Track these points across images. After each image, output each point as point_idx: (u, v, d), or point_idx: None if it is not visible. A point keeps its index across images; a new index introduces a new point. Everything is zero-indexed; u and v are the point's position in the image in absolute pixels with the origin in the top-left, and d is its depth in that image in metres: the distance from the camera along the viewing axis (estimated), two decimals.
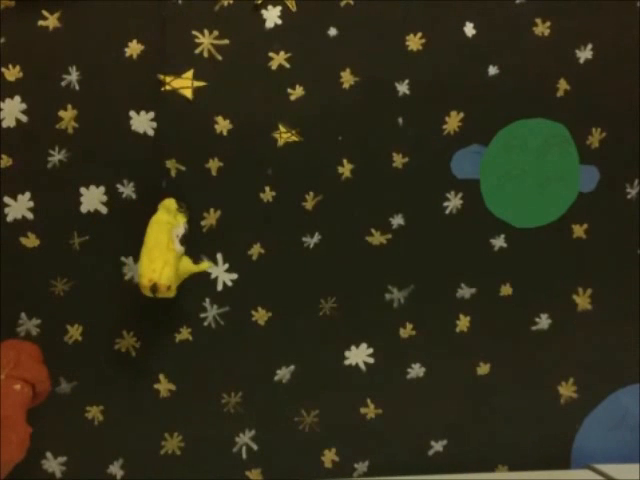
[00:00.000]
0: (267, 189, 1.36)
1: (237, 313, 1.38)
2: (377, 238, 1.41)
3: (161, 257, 1.21)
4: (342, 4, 1.34)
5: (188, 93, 1.33)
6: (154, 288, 1.20)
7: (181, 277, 1.27)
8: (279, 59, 1.33)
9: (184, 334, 1.37)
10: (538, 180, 1.44)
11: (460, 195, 1.42)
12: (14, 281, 1.32)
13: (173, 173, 1.34)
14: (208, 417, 1.39)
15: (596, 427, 1.49)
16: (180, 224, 1.27)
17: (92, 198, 1.33)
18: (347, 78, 1.36)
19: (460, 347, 1.44)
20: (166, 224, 1.25)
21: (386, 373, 1.43)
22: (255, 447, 1.40)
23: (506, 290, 1.45)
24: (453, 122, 1.40)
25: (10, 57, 1.28)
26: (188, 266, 1.28)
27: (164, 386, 1.37)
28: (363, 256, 1.41)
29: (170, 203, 1.28)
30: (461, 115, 1.40)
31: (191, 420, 1.38)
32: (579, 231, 1.45)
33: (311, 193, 1.38)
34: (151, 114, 1.32)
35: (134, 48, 1.31)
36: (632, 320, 1.48)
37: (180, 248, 1.25)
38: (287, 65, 1.34)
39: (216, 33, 1.32)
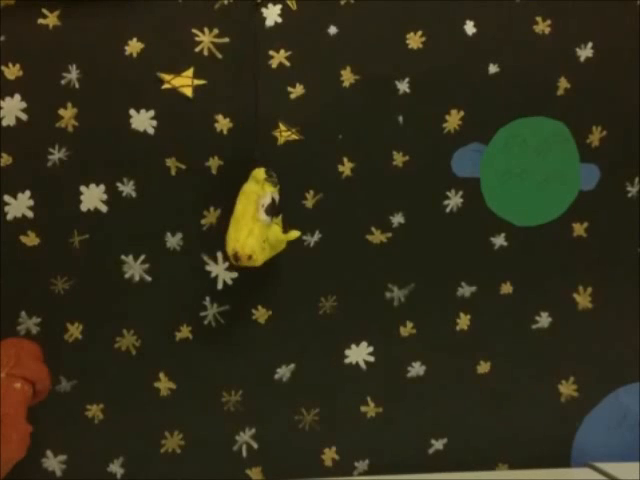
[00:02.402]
0: None
1: (237, 312, 1.38)
2: (377, 236, 1.41)
3: (246, 227, 1.23)
4: (342, 2, 1.34)
5: (188, 91, 1.33)
6: (236, 257, 1.22)
7: (274, 246, 1.29)
8: (279, 57, 1.33)
9: (184, 332, 1.37)
10: (538, 178, 1.44)
11: (460, 193, 1.41)
12: (14, 279, 1.32)
13: (173, 172, 1.34)
14: (208, 415, 1.39)
15: (596, 426, 1.49)
16: (267, 194, 1.28)
17: (92, 196, 1.32)
18: (347, 76, 1.35)
19: (460, 345, 1.44)
20: (253, 194, 1.26)
21: (386, 372, 1.43)
22: (255, 445, 1.40)
23: (506, 288, 1.45)
24: (453, 120, 1.40)
25: (10, 55, 1.28)
26: (278, 235, 1.29)
27: (164, 385, 1.37)
28: (363, 254, 1.41)
29: (258, 173, 1.28)
30: (461, 113, 1.40)
31: (191, 419, 1.38)
32: (579, 230, 1.45)
33: (311, 191, 1.38)
34: (151, 112, 1.32)
35: (134, 46, 1.30)
36: (632, 319, 1.48)
37: (266, 218, 1.26)
38: (287, 63, 1.34)
39: (216, 31, 1.32)
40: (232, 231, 1.24)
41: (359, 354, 1.42)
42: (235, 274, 1.37)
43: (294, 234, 1.34)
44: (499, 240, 1.44)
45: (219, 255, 1.36)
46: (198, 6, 1.31)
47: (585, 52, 1.41)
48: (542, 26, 1.39)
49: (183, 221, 1.35)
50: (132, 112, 1.32)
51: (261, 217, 1.26)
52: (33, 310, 1.33)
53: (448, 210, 1.42)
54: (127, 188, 1.33)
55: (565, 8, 1.39)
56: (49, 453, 1.35)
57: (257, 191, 1.27)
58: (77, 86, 1.30)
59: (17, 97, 1.29)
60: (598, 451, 1.49)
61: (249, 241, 1.22)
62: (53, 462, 1.36)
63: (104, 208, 1.33)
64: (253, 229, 1.23)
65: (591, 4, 1.41)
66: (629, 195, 1.46)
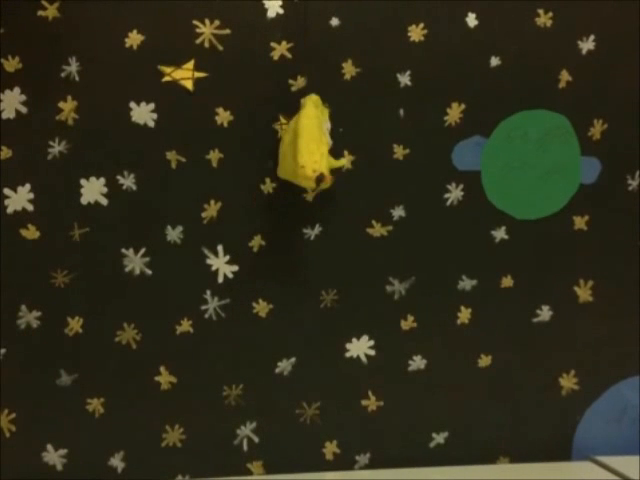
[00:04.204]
0: (268, 180, 1.36)
1: (238, 305, 1.38)
2: (378, 230, 1.40)
3: (318, 150, 1.22)
4: None
5: (189, 84, 1.32)
6: (320, 178, 1.20)
7: None
8: (281, 49, 1.33)
9: (185, 326, 1.37)
10: (539, 172, 1.44)
11: (461, 187, 1.41)
12: (14, 273, 1.31)
13: (173, 165, 1.33)
14: (209, 409, 1.38)
15: (597, 419, 1.50)
16: (326, 118, 1.29)
17: (92, 189, 1.32)
18: (349, 69, 1.35)
19: (461, 339, 1.44)
20: (315, 117, 1.25)
21: (387, 365, 1.43)
22: (256, 439, 1.40)
23: (507, 282, 1.45)
24: (454, 113, 1.39)
25: (10, 48, 1.28)
26: (333, 161, 1.29)
27: (165, 378, 1.37)
28: (364, 248, 1.40)
29: (316, 98, 1.29)
30: (462, 106, 1.39)
31: (192, 412, 1.38)
32: (580, 223, 1.45)
33: None
34: (151, 105, 1.32)
35: (134, 38, 1.30)
36: (633, 312, 1.48)
37: (330, 141, 1.27)
38: (289, 55, 1.33)
39: (217, 23, 1.31)
40: (306, 153, 1.21)
41: (360, 348, 1.42)
42: (236, 267, 1.36)
43: (343, 161, 1.33)
44: (500, 233, 1.43)
45: (220, 248, 1.36)
46: None
47: (587, 45, 1.41)
48: (544, 19, 1.39)
49: (183, 214, 1.35)
50: (132, 105, 1.31)
51: (329, 140, 1.26)
52: (33, 304, 1.32)
53: (449, 203, 1.42)
54: (127, 181, 1.33)
55: (567, 1, 1.39)
56: (50, 447, 1.35)
57: (318, 115, 1.26)
58: (77, 79, 1.30)
59: (17, 90, 1.28)
60: (599, 445, 1.49)
61: (324, 163, 1.21)
62: (54, 456, 1.35)
63: (104, 201, 1.32)
64: (324, 152, 1.22)
65: None
66: (630, 188, 1.46)
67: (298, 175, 1.21)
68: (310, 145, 1.22)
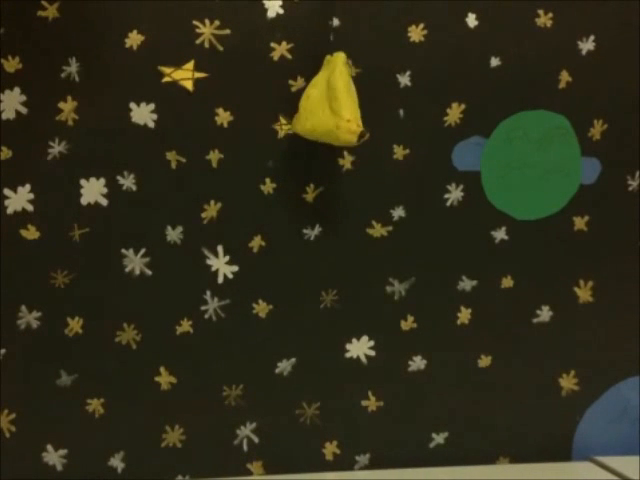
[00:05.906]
0: (268, 181, 1.36)
1: (238, 305, 1.38)
2: (378, 230, 1.40)
3: (355, 105, 1.23)
4: None
5: (189, 85, 1.32)
6: (363, 133, 1.20)
7: None
8: (281, 49, 1.33)
9: (185, 326, 1.37)
10: (539, 172, 1.44)
11: (461, 187, 1.41)
12: (14, 274, 1.31)
13: (173, 165, 1.33)
14: (209, 410, 1.38)
15: (597, 419, 1.50)
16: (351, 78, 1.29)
17: (92, 190, 1.32)
18: None
19: (461, 339, 1.44)
20: (348, 75, 1.26)
21: (387, 365, 1.43)
22: (256, 440, 1.40)
23: (507, 282, 1.45)
24: (454, 114, 1.39)
25: (9, 48, 1.27)
26: None
27: (165, 379, 1.37)
28: (364, 248, 1.40)
29: (344, 56, 1.28)
30: (462, 107, 1.39)
31: (192, 413, 1.38)
32: (580, 223, 1.45)
33: (312, 185, 1.37)
34: (151, 106, 1.32)
35: (134, 39, 1.30)
36: (633, 312, 1.48)
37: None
38: (289, 56, 1.33)
39: (217, 23, 1.31)
40: (352, 107, 1.22)
41: (360, 348, 1.42)
42: (236, 268, 1.36)
43: None
44: (500, 234, 1.43)
45: (220, 249, 1.36)
46: None
47: (587, 45, 1.41)
48: (544, 19, 1.39)
49: (183, 214, 1.34)
50: (132, 105, 1.31)
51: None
52: (33, 304, 1.32)
53: (449, 204, 1.42)
54: (127, 182, 1.33)
55: (567, 1, 1.39)
56: (50, 448, 1.35)
57: (350, 73, 1.27)
58: (77, 79, 1.30)
59: (17, 90, 1.28)
60: (599, 445, 1.49)
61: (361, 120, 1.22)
62: (54, 457, 1.35)
63: (104, 202, 1.32)
64: (358, 109, 1.23)
65: None
66: (630, 189, 1.46)
67: (341, 129, 1.20)
68: (349, 100, 1.22)
